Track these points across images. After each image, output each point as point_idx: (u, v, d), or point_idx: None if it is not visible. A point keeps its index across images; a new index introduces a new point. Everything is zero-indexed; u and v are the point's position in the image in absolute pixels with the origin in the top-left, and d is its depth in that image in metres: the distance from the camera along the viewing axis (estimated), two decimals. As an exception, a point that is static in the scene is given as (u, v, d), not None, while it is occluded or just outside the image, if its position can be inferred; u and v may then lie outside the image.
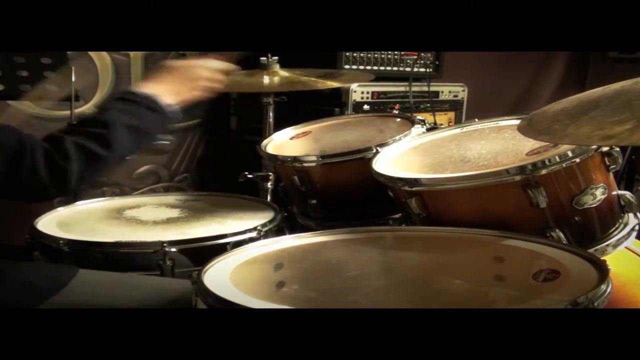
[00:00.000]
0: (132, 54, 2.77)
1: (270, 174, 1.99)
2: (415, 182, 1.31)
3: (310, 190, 1.64)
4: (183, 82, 1.38)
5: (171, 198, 1.91)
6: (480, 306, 0.97)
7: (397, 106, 2.60)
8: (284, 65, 2.05)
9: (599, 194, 1.26)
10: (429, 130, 1.67)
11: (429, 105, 2.70)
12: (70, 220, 1.66)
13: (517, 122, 1.35)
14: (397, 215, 1.56)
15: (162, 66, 1.41)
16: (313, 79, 2.01)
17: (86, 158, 1.20)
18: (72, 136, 1.21)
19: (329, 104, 2.46)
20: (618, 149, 1.28)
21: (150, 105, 1.30)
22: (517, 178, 1.20)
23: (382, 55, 2.62)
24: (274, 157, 1.71)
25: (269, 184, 2.00)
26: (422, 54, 2.71)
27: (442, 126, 2.01)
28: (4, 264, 1.23)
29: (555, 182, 1.22)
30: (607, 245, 1.28)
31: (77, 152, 1.19)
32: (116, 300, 1.24)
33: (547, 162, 1.20)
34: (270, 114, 2.12)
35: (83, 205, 1.83)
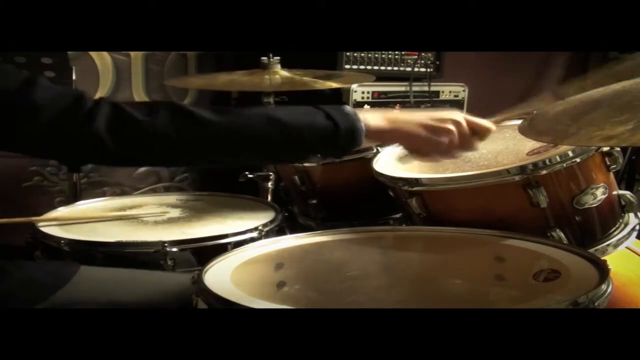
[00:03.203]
0: (132, 54, 2.77)
1: (271, 173, 1.99)
2: (415, 182, 1.31)
3: (311, 190, 1.64)
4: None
5: (172, 198, 1.91)
6: (481, 306, 0.97)
7: (397, 106, 2.60)
8: (284, 65, 2.05)
9: (600, 193, 1.26)
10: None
11: (429, 105, 2.70)
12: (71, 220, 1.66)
13: (518, 122, 1.36)
14: (398, 215, 1.56)
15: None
16: (313, 79, 2.00)
17: (177, 121, 1.04)
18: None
19: (329, 104, 2.45)
20: (618, 149, 1.28)
21: (341, 119, 1.09)
22: (518, 178, 1.21)
23: (383, 55, 2.62)
24: (274, 157, 1.70)
25: (270, 184, 2.00)
26: (423, 54, 2.71)
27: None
28: (5, 262, 1.23)
29: (555, 181, 1.22)
30: (608, 245, 1.28)
31: (171, 112, 1.04)
32: (118, 295, 1.24)
33: (547, 162, 1.20)
34: (271, 114, 2.11)
35: (84, 205, 1.83)
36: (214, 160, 1.16)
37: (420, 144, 1.16)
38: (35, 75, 1.05)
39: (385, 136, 1.15)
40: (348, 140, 1.11)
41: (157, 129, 1.05)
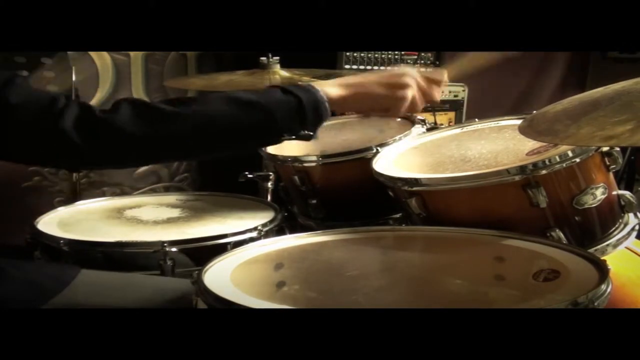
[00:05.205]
0: (132, 54, 2.77)
1: (271, 173, 1.99)
2: (415, 182, 1.31)
3: (311, 190, 1.64)
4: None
5: (172, 198, 1.91)
6: (480, 306, 0.97)
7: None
8: (284, 65, 2.05)
9: (599, 193, 1.26)
10: (429, 130, 1.67)
11: (429, 105, 2.69)
12: (70, 220, 1.66)
13: (518, 121, 1.36)
14: (398, 215, 1.56)
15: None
16: (313, 79, 2.01)
17: (145, 118, 1.03)
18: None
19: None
20: (618, 149, 1.28)
21: (306, 95, 1.07)
22: (518, 178, 1.20)
23: (382, 55, 2.62)
24: (274, 157, 1.71)
25: (269, 184, 2.00)
26: (422, 54, 2.71)
27: (443, 126, 2.01)
28: (4, 263, 1.22)
29: (555, 182, 1.22)
30: (607, 245, 1.28)
31: (132, 108, 1.04)
32: (118, 300, 1.24)
33: (547, 162, 1.20)
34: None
35: (83, 205, 1.83)
36: (186, 152, 1.15)
37: (382, 102, 1.16)
38: (13, 75, 1.06)
39: (348, 102, 1.15)
40: (314, 112, 1.10)
41: (118, 123, 1.06)
